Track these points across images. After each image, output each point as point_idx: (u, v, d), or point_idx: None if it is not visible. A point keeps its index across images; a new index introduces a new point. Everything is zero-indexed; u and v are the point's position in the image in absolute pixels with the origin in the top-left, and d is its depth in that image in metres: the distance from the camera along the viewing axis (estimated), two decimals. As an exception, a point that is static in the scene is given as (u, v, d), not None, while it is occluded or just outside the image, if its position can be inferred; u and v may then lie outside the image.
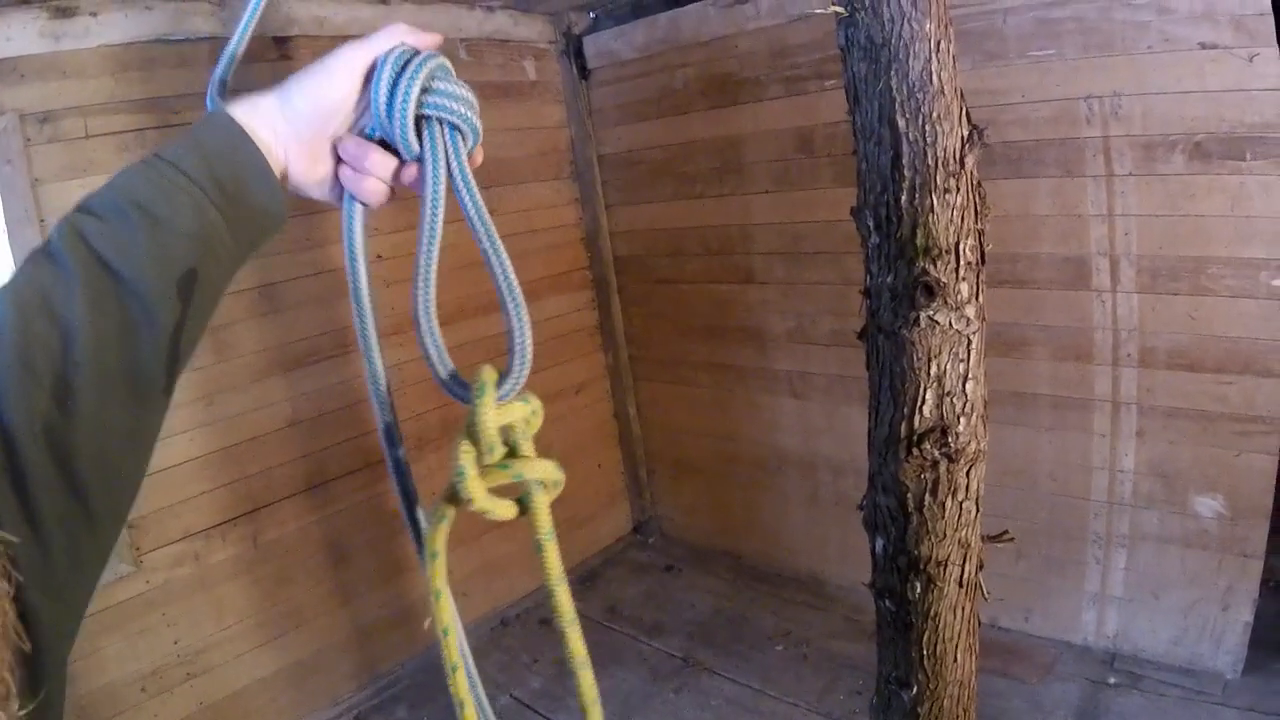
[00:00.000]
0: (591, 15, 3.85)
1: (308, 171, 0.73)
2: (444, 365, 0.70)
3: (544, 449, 0.68)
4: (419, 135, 0.72)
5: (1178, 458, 2.67)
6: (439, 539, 0.71)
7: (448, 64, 0.74)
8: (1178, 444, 2.66)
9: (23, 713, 0.49)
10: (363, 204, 0.75)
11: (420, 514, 0.79)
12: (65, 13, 2.46)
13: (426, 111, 0.71)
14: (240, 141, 0.68)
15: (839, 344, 3.36)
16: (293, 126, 0.71)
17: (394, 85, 0.70)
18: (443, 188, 0.72)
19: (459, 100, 0.72)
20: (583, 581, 3.96)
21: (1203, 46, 2.35)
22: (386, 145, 0.74)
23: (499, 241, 0.71)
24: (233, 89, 0.82)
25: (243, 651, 2.90)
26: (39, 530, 0.53)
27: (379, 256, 3.22)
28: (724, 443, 3.94)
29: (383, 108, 0.70)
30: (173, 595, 2.72)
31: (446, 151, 0.73)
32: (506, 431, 0.68)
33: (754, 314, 3.64)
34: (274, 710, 3.00)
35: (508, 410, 0.68)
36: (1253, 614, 2.63)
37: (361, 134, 0.74)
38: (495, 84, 3.67)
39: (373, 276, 0.76)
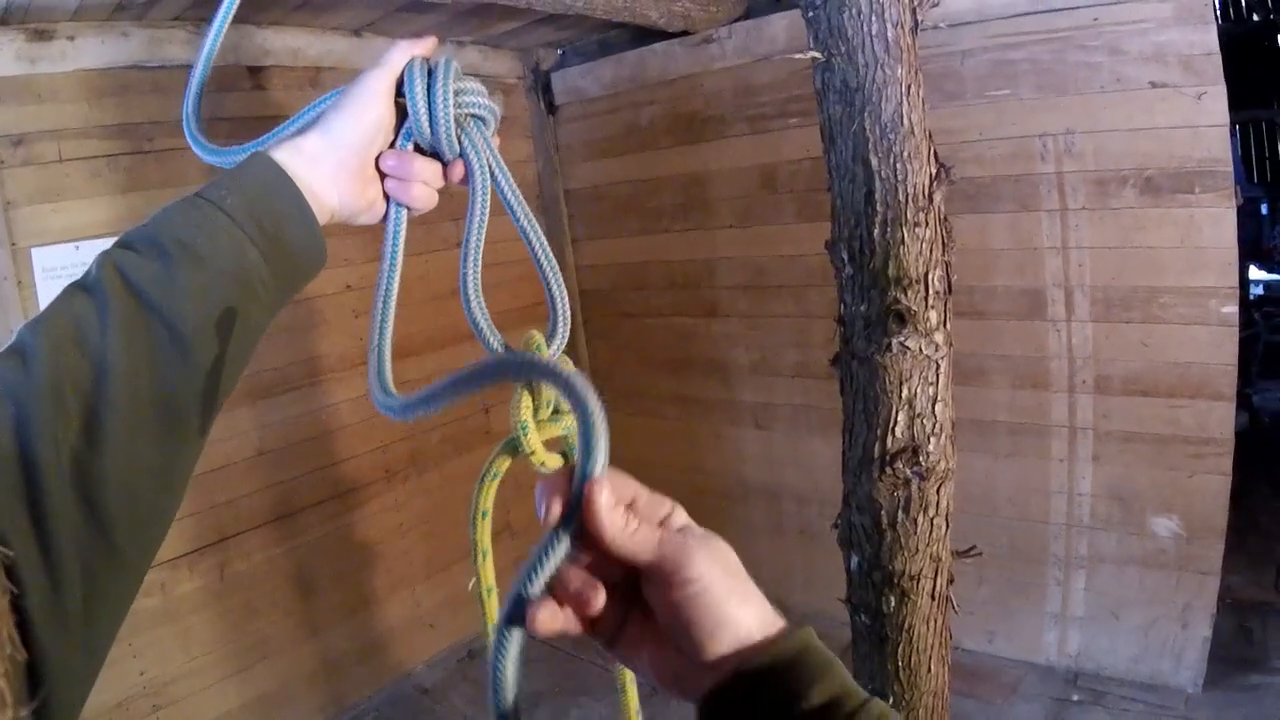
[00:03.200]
0: (560, 52, 3.92)
1: (358, 197, 0.76)
2: (495, 336, 0.74)
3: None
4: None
5: (1134, 480, 2.75)
6: (489, 497, 0.74)
7: (456, 62, 0.79)
8: (1133, 467, 2.75)
9: None
10: (409, 210, 0.79)
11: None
12: (42, 36, 2.47)
13: (459, 111, 0.76)
14: (281, 183, 0.70)
15: (802, 375, 3.41)
16: (340, 156, 0.73)
17: (430, 95, 0.75)
18: (488, 178, 0.78)
19: (480, 93, 0.78)
20: (550, 611, 3.93)
21: (1153, 85, 2.47)
22: (419, 150, 0.78)
23: (533, 217, 0.78)
24: (206, 118, 0.86)
25: (209, 683, 2.87)
26: (51, 559, 0.51)
27: (348, 287, 3.23)
28: (690, 474, 3.95)
29: (424, 117, 0.75)
30: (139, 626, 2.68)
31: (484, 144, 0.78)
32: None
33: (718, 347, 3.68)
34: (241, 744, 2.96)
35: (560, 365, 0.72)
36: (1211, 630, 2.71)
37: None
38: (465, 118, 3.70)
39: (399, 290, 0.78)
